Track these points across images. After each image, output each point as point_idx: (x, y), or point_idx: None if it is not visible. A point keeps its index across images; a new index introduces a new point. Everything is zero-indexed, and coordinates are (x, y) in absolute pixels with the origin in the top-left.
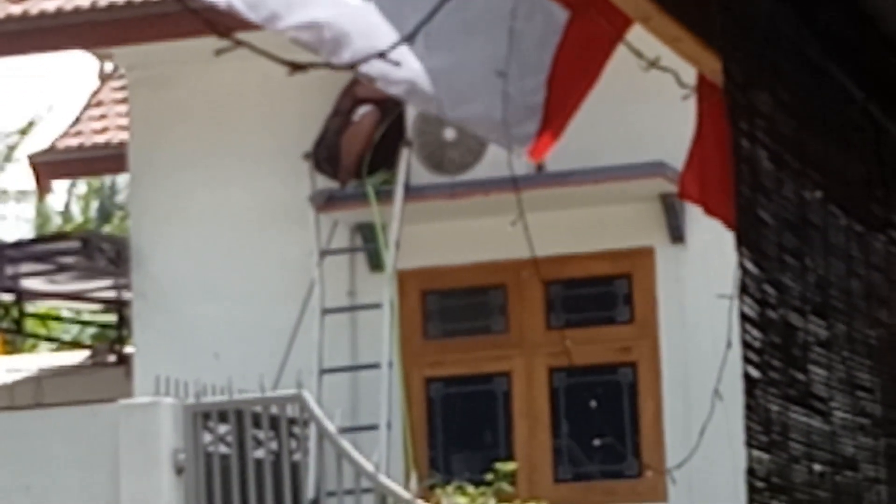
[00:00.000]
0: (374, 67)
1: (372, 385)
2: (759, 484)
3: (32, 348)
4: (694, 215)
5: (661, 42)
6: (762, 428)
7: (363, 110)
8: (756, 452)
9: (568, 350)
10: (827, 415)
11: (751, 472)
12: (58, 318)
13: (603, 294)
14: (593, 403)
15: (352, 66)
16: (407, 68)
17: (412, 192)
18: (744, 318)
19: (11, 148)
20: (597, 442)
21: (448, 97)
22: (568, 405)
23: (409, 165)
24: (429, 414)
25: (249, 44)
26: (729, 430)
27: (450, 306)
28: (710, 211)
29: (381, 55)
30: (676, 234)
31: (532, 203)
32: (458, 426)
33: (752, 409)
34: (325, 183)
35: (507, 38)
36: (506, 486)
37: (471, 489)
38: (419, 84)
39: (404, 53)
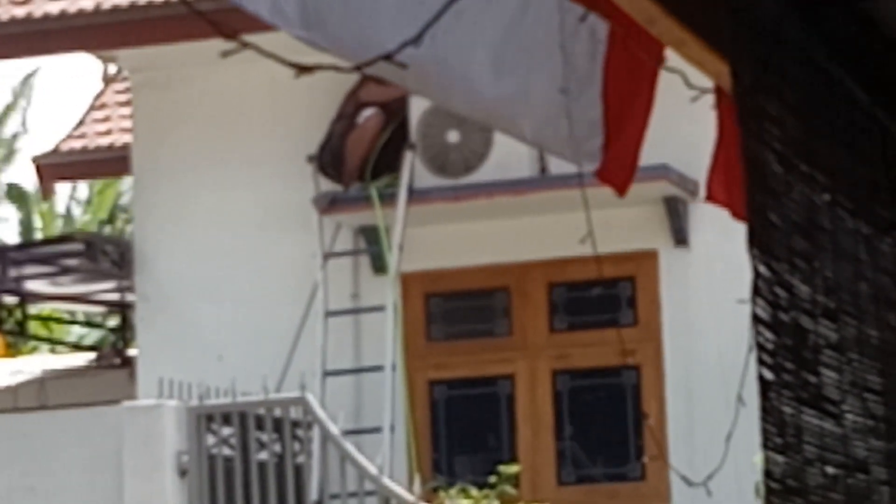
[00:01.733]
0: (457, 100)
1: (375, 387)
2: (776, 486)
3: (32, 350)
4: (697, 218)
5: (666, 45)
6: (777, 430)
7: (367, 113)
8: (772, 454)
9: (624, 347)
10: (839, 417)
11: (768, 474)
12: (60, 321)
13: (606, 297)
14: (650, 420)
15: (358, 68)
16: (483, 98)
17: (416, 195)
18: (757, 320)
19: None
20: (645, 460)
21: (525, 121)
22: (571, 408)
23: (413, 168)
24: (432, 416)
25: (255, 45)
26: (732, 433)
27: (453, 309)
28: (737, 214)
29: (388, 57)
30: (680, 237)
31: (535, 206)
32: (461, 429)
33: (767, 411)
34: (328, 185)
35: (562, 55)
36: (509, 489)
37: (474, 492)
38: (498, 111)
39: (477, 83)
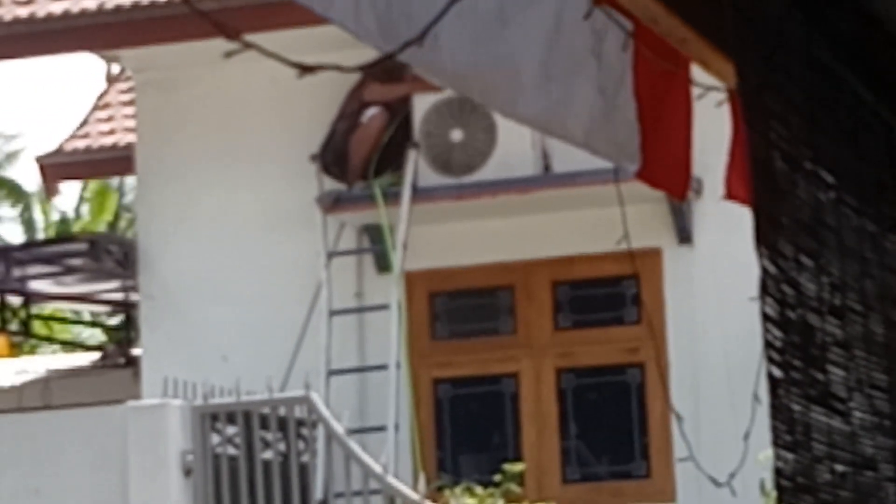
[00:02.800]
0: (513, 107)
1: (380, 386)
2: (787, 483)
3: (33, 350)
4: (701, 217)
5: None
6: (786, 427)
7: (371, 112)
8: (782, 452)
9: (658, 357)
10: (846, 415)
11: (778, 472)
12: (64, 321)
13: (611, 295)
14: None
15: (362, 69)
16: (536, 104)
17: (419, 194)
18: (765, 317)
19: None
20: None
21: (576, 125)
22: (576, 406)
23: (417, 167)
24: (437, 415)
25: (258, 46)
26: (737, 430)
27: (457, 307)
28: None
29: (390, 57)
30: (684, 235)
31: (540, 204)
32: (466, 427)
33: (776, 408)
34: (332, 184)
35: (596, 58)
36: (514, 487)
37: (479, 490)
38: (550, 116)
39: (529, 90)
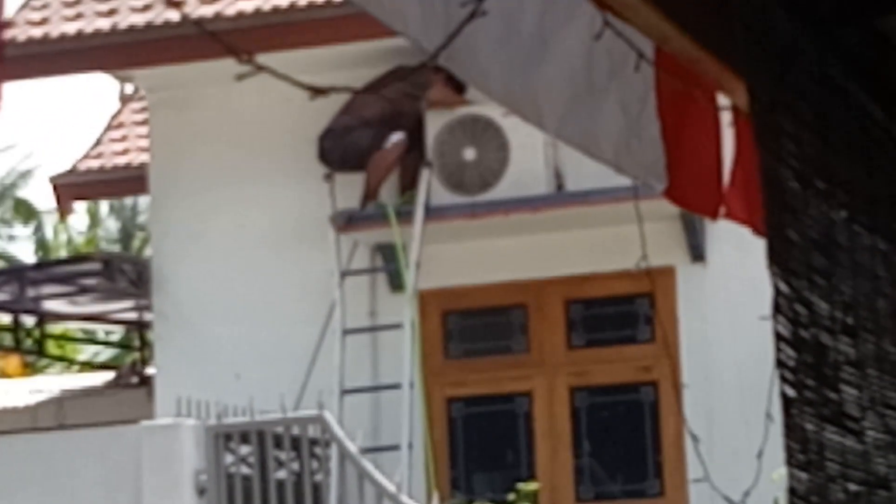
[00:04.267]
0: (558, 128)
1: (393, 405)
2: (800, 503)
3: (46, 367)
4: (714, 234)
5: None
6: (800, 447)
7: (395, 138)
8: (795, 471)
9: (676, 380)
10: (859, 434)
11: (792, 492)
12: (76, 340)
13: (624, 313)
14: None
15: (370, 90)
16: (577, 124)
17: (432, 212)
18: (778, 337)
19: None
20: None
21: (608, 145)
22: (589, 424)
23: (430, 185)
24: (450, 434)
25: (270, 68)
26: (751, 449)
27: (471, 326)
28: (759, 231)
29: (400, 78)
30: (697, 253)
31: (552, 222)
32: (479, 446)
33: (790, 427)
34: (345, 203)
35: (620, 76)
36: None
37: None
38: (590, 137)
39: (571, 109)
